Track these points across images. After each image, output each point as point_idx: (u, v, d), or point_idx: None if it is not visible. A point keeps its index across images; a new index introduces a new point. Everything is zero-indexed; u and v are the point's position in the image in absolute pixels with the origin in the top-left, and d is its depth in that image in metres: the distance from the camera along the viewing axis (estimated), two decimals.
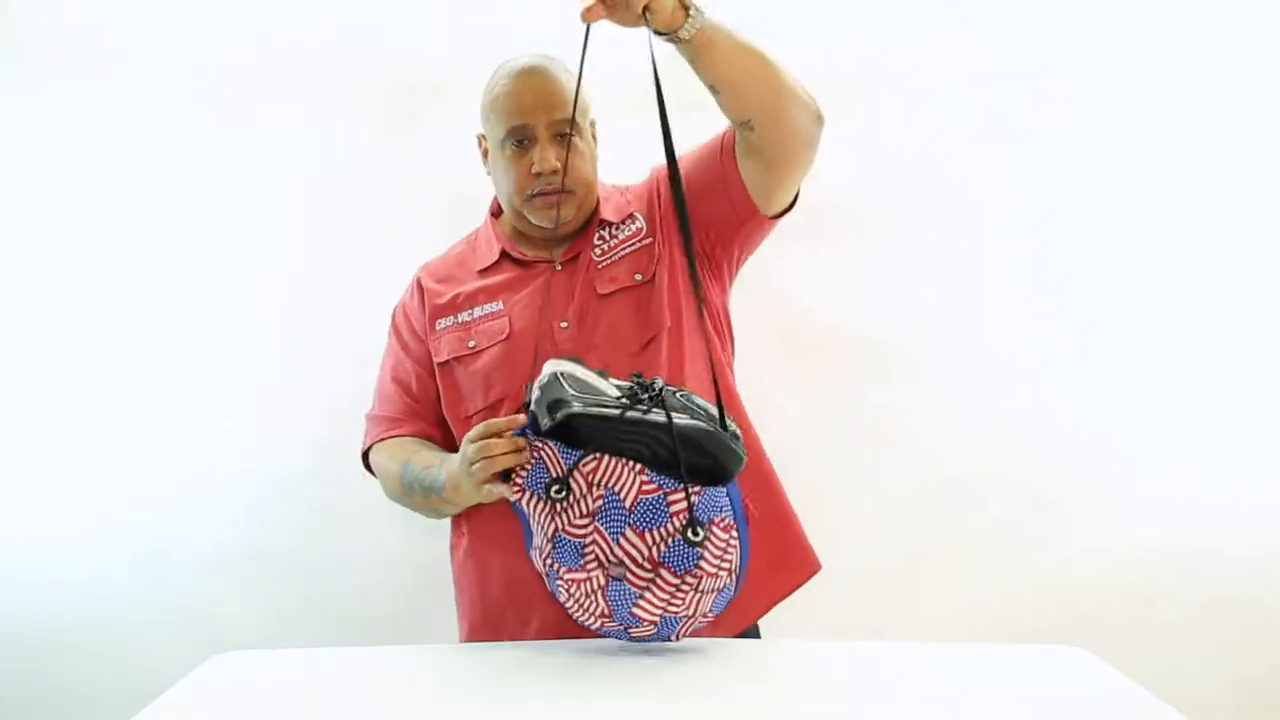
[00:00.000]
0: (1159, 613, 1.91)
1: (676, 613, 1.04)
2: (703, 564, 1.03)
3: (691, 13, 1.11)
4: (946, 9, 1.95)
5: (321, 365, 1.91)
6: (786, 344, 1.92)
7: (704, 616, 1.07)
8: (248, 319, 1.92)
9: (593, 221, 1.35)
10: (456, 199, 1.91)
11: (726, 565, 1.05)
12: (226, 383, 1.91)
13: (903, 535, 1.92)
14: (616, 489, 1.04)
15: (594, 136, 1.37)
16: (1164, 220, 1.93)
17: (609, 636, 1.10)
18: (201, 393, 1.91)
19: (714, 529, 1.04)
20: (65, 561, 1.89)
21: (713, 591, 1.05)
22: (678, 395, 1.06)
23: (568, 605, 1.08)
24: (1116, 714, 0.93)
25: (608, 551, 1.05)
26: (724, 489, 1.06)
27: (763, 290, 1.73)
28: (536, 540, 1.09)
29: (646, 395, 1.04)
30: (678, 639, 1.08)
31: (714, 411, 1.06)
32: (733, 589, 1.07)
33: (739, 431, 1.07)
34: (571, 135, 1.27)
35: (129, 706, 0.94)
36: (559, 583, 1.07)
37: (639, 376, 1.07)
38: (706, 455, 1.04)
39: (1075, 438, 1.93)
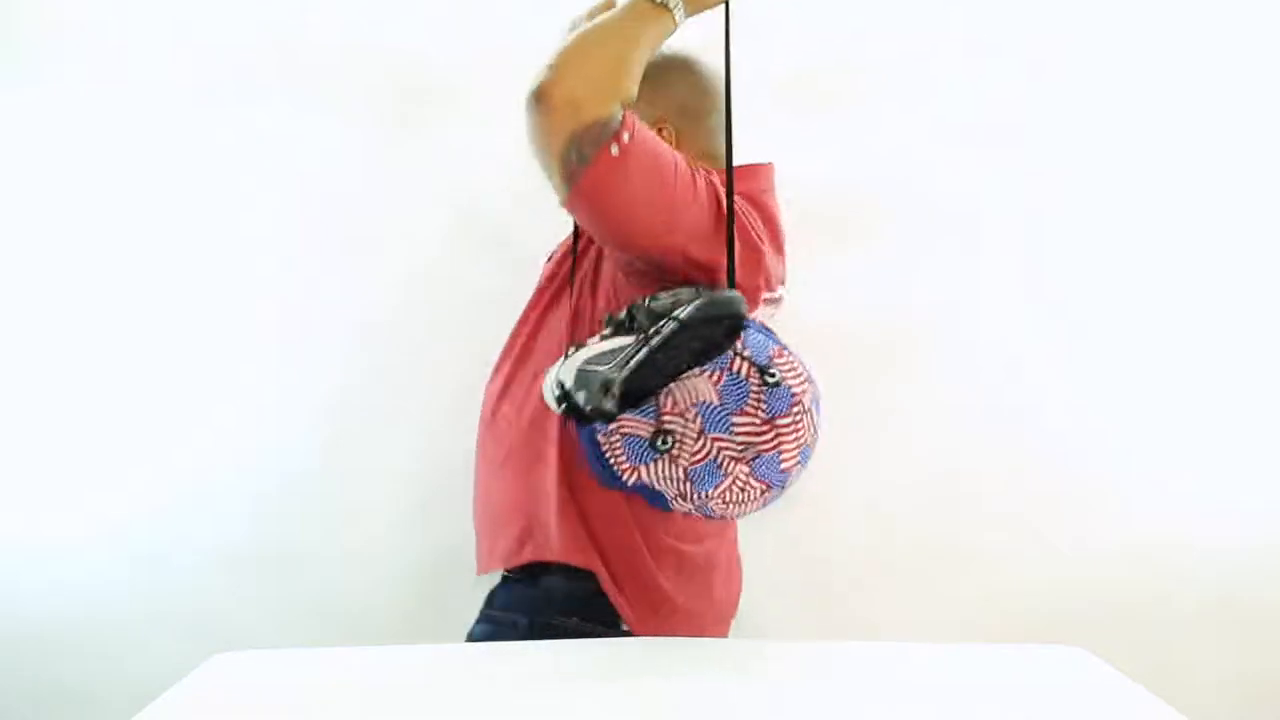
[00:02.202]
0: (1159, 612, 1.91)
1: (806, 441, 1.12)
2: (793, 392, 1.10)
3: None
4: (941, 5, 1.95)
5: (322, 365, 1.91)
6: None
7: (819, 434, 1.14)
8: (248, 319, 1.92)
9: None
10: (457, 199, 1.92)
11: (802, 375, 1.12)
12: (227, 382, 1.91)
13: (900, 535, 1.92)
14: (701, 399, 1.09)
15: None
16: (1160, 217, 1.93)
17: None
18: (202, 392, 1.91)
19: (775, 361, 1.11)
20: (65, 561, 1.89)
21: (810, 408, 1.12)
22: (649, 303, 1.10)
23: (726, 512, 1.14)
24: (1116, 714, 0.93)
25: (733, 445, 1.09)
26: (754, 333, 1.12)
27: None
28: (671, 494, 1.13)
29: (639, 322, 1.09)
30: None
31: (677, 291, 1.10)
32: (818, 396, 1.15)
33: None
34: None
35: (129, 706, 0.94)
36: (712, 504, 1.13)
37: (612, 318, 1.11)
38: (721, 315, 1.08)
39: (1074, 436, 1.93)
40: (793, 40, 1.94)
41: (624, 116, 1.08)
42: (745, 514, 1.15)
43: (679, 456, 1.10)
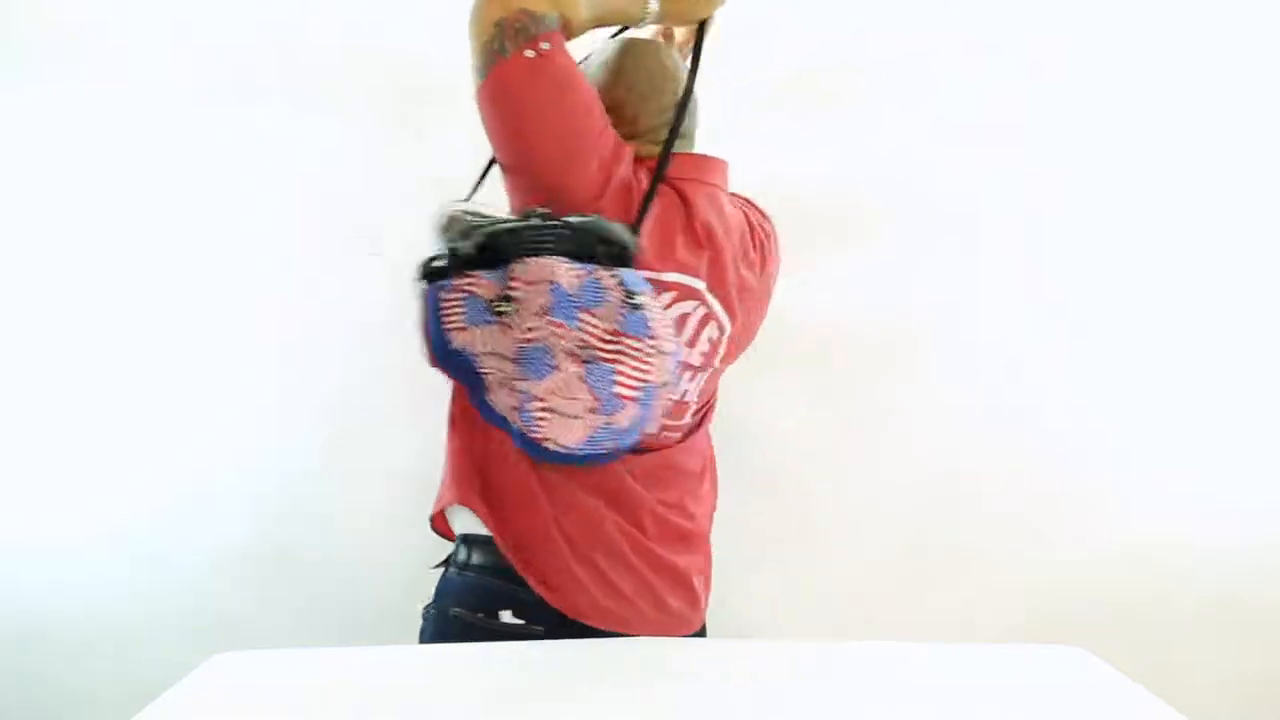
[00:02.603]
0: (1159, 612, 1.91)
1: (652, 380, 1.06)
2: (651, 327, 1.06)
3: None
4: (941, 5, 1.95)
5: (322, 365, 1.91)
6: (780, 344, 1.91)
7: (670, 392, 1.09)
8: (248, 319, 1.92)
9: None
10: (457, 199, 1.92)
11: (668, 329, 1.08)
12: (227, 382, 1.91)
13: (900, 535, 1.92)
14: (556, 279, 1.05)
15: None
16: (1160, 217, 1.93)
17: (591, 460, 1.08)
18: (202, 392, 1.91)
19: (645, 300, 1.07)
20: (65, 561, 1.89)
21: (670, 353, 1.08)
22: (588, 219, 1.09)
23: (544, 428, 1.05)
24: (1116, 714, 0.93)
25: (570, 338, 1.05)
26: (633, 272, 1.08)
27: None
28: (492, 379, 1.07)
29: (538, 214, 1.08)
30: (655, 427, 1.10)
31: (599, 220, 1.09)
32: (678, 356, 1.09)
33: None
34: None
35: (129, 706, 0.94)
36: (533, 408, 1.05)
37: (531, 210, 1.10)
38: (609, 241, 1.07)
39: (1074, 436, 1.93)
40: (793, 40, 1.94)
41: (554, 31, 1.09)
42: (567, 443, 1.05)
43: (511, 327, 1.05)
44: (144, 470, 1.90)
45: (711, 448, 1.37)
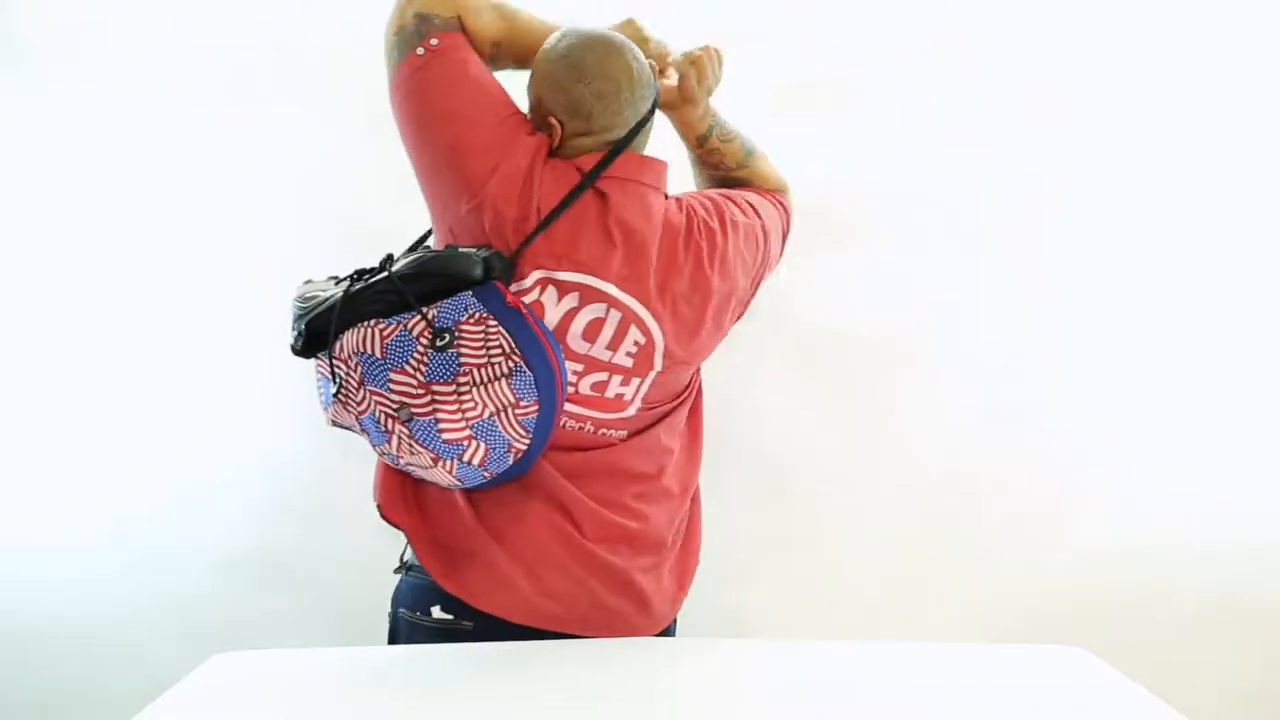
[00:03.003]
0: (1159, 612, 1.91)
1: (480, 415, 1.07)
2: (465, 360, 1.07)
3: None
4: (941, 8, 1.95)
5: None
6: (782, 345, 1.92)
7: (521, 406, 1.08)
8: (248, 319, 1.92)
9: None
10: None
11: (496, 348, 1.07)
12: (227, 382, 1.91)
13: (901, 536, 1.92)
14: (365, 349, 1.09)
15: None
16: (1160, 218, 1.93)
17: (479, 485, 1.13)
18: (202, 393, 1.91)
19: (463, 327, 1.07)
20: (65, 561, 1.89)
21: (500, 378, 1.07)
22: (413, 256, 1.13)
23: (420, 474, 1.12)
24: (1116, 714, 0.93)
25: (387, 403, 1.08)
26: (465, 296, 1.09)
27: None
28: (370, 443, 1.14)
29: (372, 269, 1.13)
30: (516, 453, 1.09)
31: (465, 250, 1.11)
32: (527, 369, 1.07)
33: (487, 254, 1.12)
34: None
35: (129, 706, 0.94)
36: (401, 463, 1.12)
37: (388, 259, 1.15)
38: (435, 276, 1.09)
39: (1073, 436, 1.93)
40: (794, 42, 1.94)
41: (448, 30, 1.15)
42: (442, 480, 1.11)
43: (347, 403, 1.10)
44: (144, 470, 1.90)
45: (688, 449, 1.31)
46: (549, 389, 1.09)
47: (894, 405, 1.93)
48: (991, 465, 1.92)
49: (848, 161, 1.92)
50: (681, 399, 1.29)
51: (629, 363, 1.19)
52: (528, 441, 1.09)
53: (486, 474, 1.10)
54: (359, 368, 1.09)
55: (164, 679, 1.03)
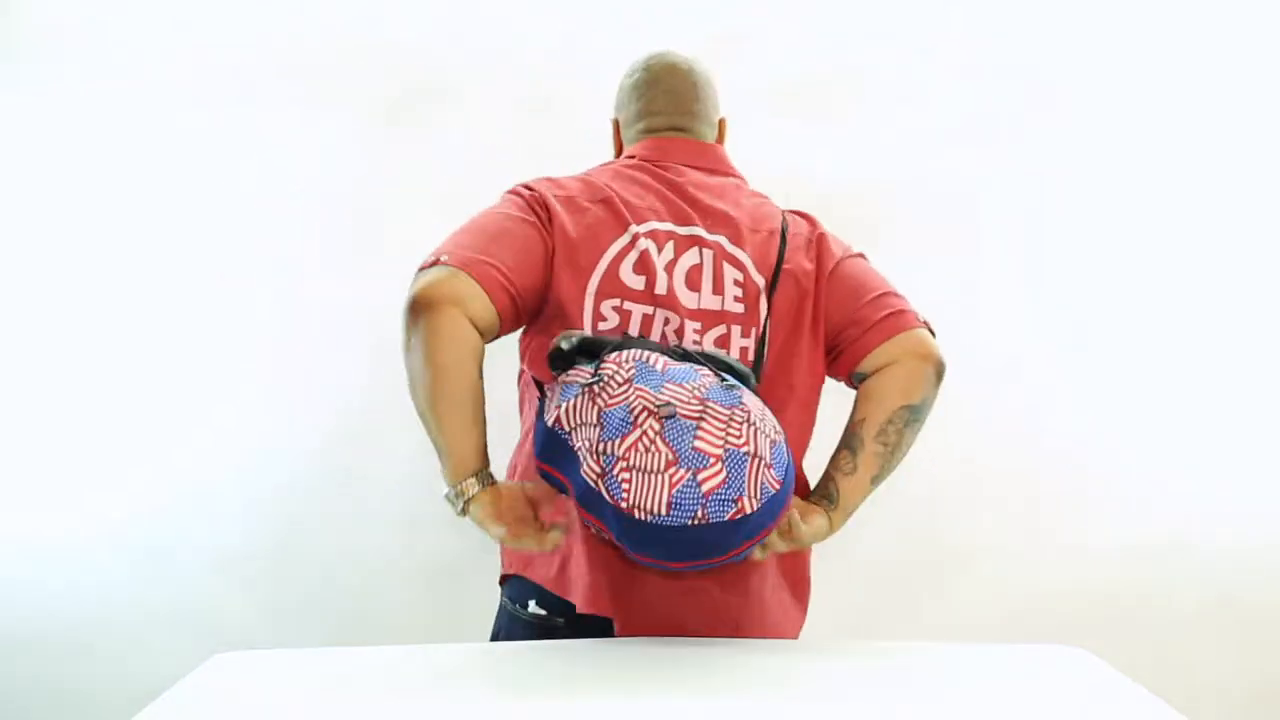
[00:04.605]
0: (1159, 612, 1.91)
1: (740, 445, 1.03)
2: (745, 402, 1.06)
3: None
4: (941, 9, 1.95)
5: (322, 365, 1.91)
6: None
7: (770, 471, 1.04)
8: (248, 319, 1.92)
9: None
10: (457, 198, 1.91)
11: (771, 420, 1.07)
12: (227, 383, 1.91)
13: (901, 535, 1.92)
14: (646, 360, 1.08)
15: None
16: (1161, 219, 1.94)
17: (666, 530, 1.03)
18: (202, 393, 1.91)
19: (744, 392, 1.08)
20: (65, 561, 1.89)
21: (768, 436, 1.06)
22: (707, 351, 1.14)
23: (628, 492, 1.03)
24: (1116, 714, 0.93)
25: (652, 399, 1.05)
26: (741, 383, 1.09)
27: None
28: (582, 450, 1.06)
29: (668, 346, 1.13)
30: (737, 512, 1.03)
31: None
32: (785, 452, 1.07)
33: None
34: None
35: (129, 706, 0.94)
36: (616, 469, 1.04)
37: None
38: (720, 363, 1.10)
39: (1073, 437, 1.93)
40: (794, 42, 1.94)
41: (443, 274, 1.13)
42: (653, 508, 1.01)
43: (599, 395, 1.06)
44: (144, 470, 1.90)
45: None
46: (789, 483, 1.07)
47: None
48: (991, 465, 1.92)
49: (848, 161, 1.92)
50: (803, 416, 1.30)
51: (739, 307, 1.21)
52: (754, 508, 1.03)
53: (700, 513, 1.01)
54: (633, 369, 1.07)
55: (164, 679, 1.03)
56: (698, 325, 1.19)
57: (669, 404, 1.04)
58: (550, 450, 1.09)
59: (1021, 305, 1.94)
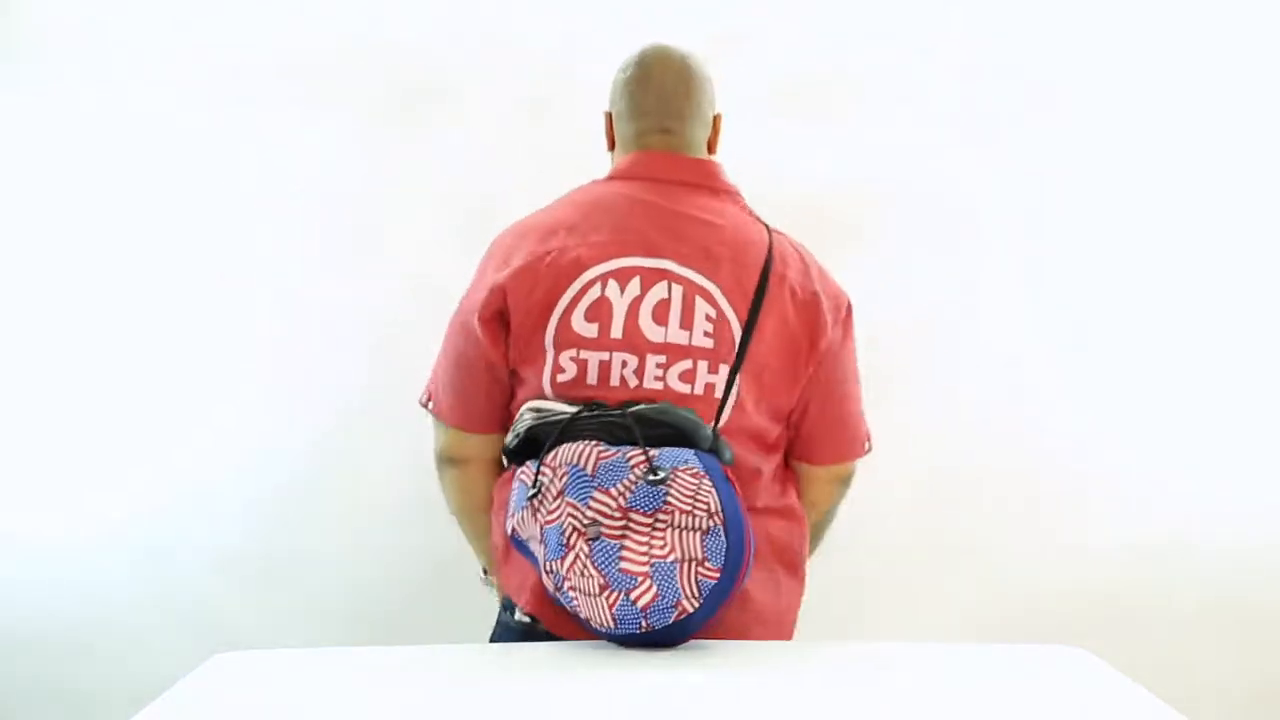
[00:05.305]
0: (1159, 612, 1.91)
1: (664, 556, 1.05)
2: (670, 500, 1.06)
3: None
4: (941, 8, 1.95)
5: (322, 365, 1.91)
6: None
7: (705, 566, 1.05)
8: (248, 319, 1.92)
9: None
10: (457, 198, 1.92)
11: (704, 505, 1.06)
12: (227, 383, 1.91)
13: (900, 535, 1.92)
14: (578, 463, 1.10)
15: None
16: (1161, 219, 1.94)
17: (623, 638, 1.08)
18: (202, 393, 1.91)
19: (678, 473, 1.07)
20: (65, 561, 1.89)
21: (696, 530, 1.06)
22: (654, 406, 1.13)
23: (579, 608, 1.09)
24: (1116, 714, 0.93)
25: (580, 517, 1.08)
26: (689, 451, 1.09)
27: None
28: (537, 558, 1.12)
29: (614, 409, 1.13)
30: (681, 612, 1.05)
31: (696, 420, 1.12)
32: (724, 535, 1.06)
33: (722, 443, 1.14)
34: None
35: (129, 706, 0.94)
36: (565, 587, 1.09)
37: (629, 405, 1.13)
38: (665, 426, 1.10)
39: (1073, 436, 1.93)
40: (794, 42, 1.94)
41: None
42: (599, 625, 1.07)
43: (538, 509, 1.11)
44: (144, 470, 1.90)
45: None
46: (734, 566, 1.06)
47: (893, 404, 1.93)
48: (991, 465, 1.92)
49: (847, 161, 1.92)
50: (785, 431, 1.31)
51: (708, 343, 1.20)
52: (696, 605, 1.05)
53: (644, 624, 1.05)
54: (565, 478, 1.10)
55: (164, 679, 1.03)
56: (662, 359, 1.18)
57: (594, 523, 1.08)
58: (519, 546, 1.17)
59: (1021, 305, 1.94)
